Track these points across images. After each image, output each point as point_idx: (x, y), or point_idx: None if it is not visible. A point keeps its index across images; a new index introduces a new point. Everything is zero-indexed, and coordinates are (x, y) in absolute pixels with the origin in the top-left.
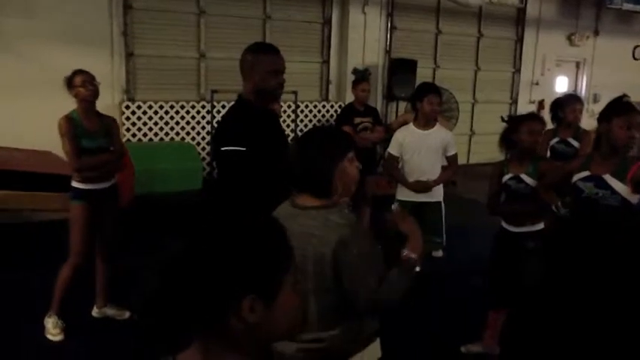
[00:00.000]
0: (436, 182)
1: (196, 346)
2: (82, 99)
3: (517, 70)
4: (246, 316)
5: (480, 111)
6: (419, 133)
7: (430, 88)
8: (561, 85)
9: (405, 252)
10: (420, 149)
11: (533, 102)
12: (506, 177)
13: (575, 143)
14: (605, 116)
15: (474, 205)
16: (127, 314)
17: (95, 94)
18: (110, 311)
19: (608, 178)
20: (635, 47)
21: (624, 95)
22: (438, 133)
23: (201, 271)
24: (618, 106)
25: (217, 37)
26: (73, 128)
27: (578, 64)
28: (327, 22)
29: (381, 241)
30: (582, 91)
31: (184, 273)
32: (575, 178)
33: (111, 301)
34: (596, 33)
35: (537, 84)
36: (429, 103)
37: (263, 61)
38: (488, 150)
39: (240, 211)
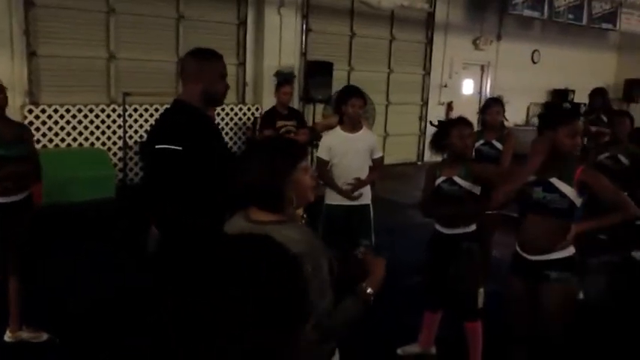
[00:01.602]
0: (363, 182)
1: None
2: None
3: (427, 73)
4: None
5: (393, 112)
6: (346, 137)
7: (353, 91)
8: (468, 87)
9: (364, 285)
10: (348, 152)
11: (442, 104)
12: (439, 180)
13: (499, 145)
14: (549, 124)
15: (393, 205)
16: (45, 336)
17: (6, 101)
18: (25, 334)
19: (556, 182)
20: (534, 51)
21: (564, 102)
22: (365, 136)
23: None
24: (563, 115)
25: (128, 37)
26: None
27: (483, 67)
28: (242, 24)
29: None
30: (487, 92)
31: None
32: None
33: (26, 322)
34: (499, 37)
35: (446, 86)
36: (352, 106)
37: (212, 66)
38: (402, 151)
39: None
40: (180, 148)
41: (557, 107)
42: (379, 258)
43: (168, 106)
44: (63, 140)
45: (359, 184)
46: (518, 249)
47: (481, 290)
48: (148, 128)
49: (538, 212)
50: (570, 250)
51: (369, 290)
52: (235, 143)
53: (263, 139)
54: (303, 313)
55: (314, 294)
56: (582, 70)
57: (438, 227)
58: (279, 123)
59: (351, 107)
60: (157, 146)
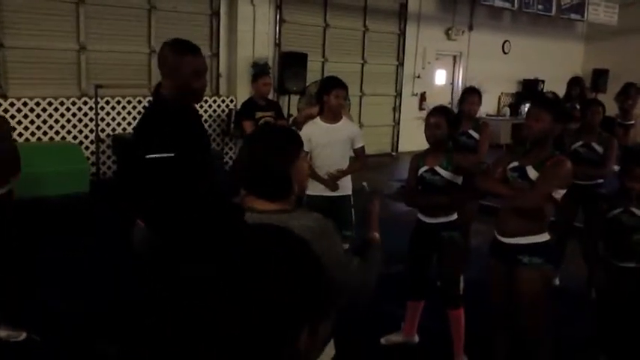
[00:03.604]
0: (344, 172)
1: None
2: None
3: (400, 64)
4: (300, 347)
5: (367, 103)
6: (327, 127)
7: (336, 82)
8: (440, 77)
9: (370, 232)
10: (329, 143)
11: (415, 94)
12: (422, 169)
13: (475, 134)
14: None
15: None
16: (24, 335)
17: None
18: (3, 333)
19: (529, 170)
20: (505, 41)
21: (548, 91)
22: (346, 126)
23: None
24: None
25: (99, 28)
26: None
27: (455, 58)
28: (215, 14)
29: None
30: (459, 83)
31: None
32: (508, 167)
33: (3, 320)
34: (471, 28)
35: (419, 77)
36: (337, 97)
37: (187, 63)
38: (376, 142)
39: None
40: (173, 155)
41: (538, 94)
42: (373, 202)
43: (142, 99)
44: (33, 134)
45: (341, 174)
46: (495, 232)
47: (461, 278)
48: (121, 121)
49: None
50: (545, 236)
51: (377, 234)
52: (210, 135)
53: (265, 128)
54: (322, 306)
55: (346, 265)
56: (551, 60)
57: (420, 216)
58: (258, 114)
59: (334, 98)
60: (147, 156)
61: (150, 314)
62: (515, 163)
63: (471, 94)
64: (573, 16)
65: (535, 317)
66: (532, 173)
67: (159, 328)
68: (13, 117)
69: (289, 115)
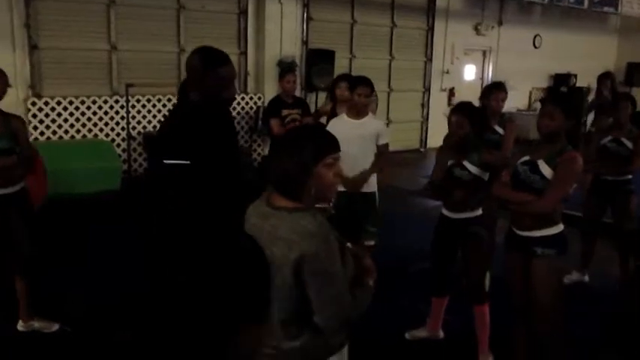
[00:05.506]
0: (368, 174)
1: None
2: None
3: (429, 59)
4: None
5: (396, 99)
6: (351, 123)
7: (359, 80)
8: (469, 73)
9: (369, 280)
10: (353, 139)
11: (444, 90)
12: (449, 162)
13: (500, 130)
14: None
15: (397, 192)
16: (56, 326)
17: (4, 94)
18: (37, 324)
19: (541, 164)
20: (535, 36)
21: (562, 87)
22: (371, 123)
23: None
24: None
25: (129, 28)
26: None
27: (484, 53)
28: (243, 13)
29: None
30: (489, 78)
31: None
32: (518, 161)
33: (37, 313)
34: (500, 23)
35: (448, 72)
36: (358, 95)
37: (215, 75)
38: (404, 137)
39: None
40: (188, 162)
41: (555, 92)
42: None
43: (172, 97)
44: (66, 132)
45: (363, 178)
46: (510, 225)
47: (487, 274)
48: (151, 119)
49: (523, 190)
50: (558, 227)
51: (371, 283)
52: (238, 133)
53: (301, 128)
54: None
55: (333, 286)
56: (584, 54)
57: (444, 212)
58: (284, 112)
59: (356, 95)
60: (165, 161)
61: (156, 304)
62: (526, 157)
63: (497, 89)
64: (606, 9)
65: (547, 309)
66: (544, 167)
67: (164, 318)
68: (47, 115)
69: (316, 112)
